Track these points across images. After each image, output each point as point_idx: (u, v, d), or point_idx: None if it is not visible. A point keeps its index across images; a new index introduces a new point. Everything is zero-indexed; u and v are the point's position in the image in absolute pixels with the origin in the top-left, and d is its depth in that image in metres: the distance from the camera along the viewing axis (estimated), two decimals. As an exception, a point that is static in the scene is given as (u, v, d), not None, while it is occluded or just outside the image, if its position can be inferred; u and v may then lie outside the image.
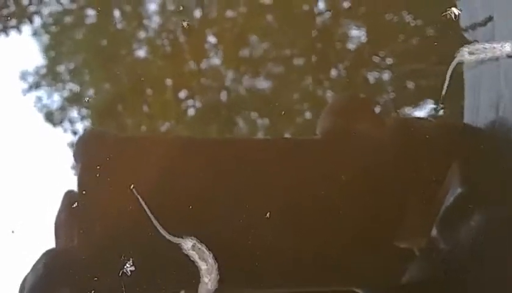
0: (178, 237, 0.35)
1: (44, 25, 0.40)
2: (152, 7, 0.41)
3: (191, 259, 0.35)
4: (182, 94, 0.40)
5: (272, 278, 0.37)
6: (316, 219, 0.36)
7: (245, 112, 0.40)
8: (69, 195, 0.36)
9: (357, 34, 0.41)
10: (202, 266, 0.34)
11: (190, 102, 0.40)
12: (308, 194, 0.37)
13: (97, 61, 0.40)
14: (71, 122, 0.40)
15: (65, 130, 0.40)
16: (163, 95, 0.40)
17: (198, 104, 0.40)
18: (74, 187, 0.36)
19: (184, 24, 0.39)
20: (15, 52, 0.40)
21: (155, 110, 0.40)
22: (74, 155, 0.37)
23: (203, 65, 0.40)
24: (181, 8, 0.40)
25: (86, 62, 0.40)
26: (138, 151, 0.37)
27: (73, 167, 0.37)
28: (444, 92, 0.37)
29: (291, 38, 0.41)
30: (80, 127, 0.40)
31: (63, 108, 0.40)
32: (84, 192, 0.36)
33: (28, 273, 0.35)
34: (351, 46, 0.40)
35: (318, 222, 0.36)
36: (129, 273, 0.35)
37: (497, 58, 0.37)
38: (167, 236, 0.35)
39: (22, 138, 0.38)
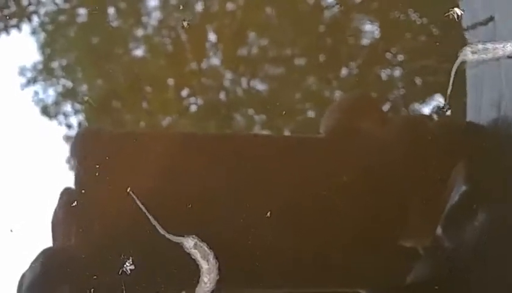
0: (178, 236, 0.35)
1: (42, 24, 0.41)
2: (151, 3, 0.41)
3: (193, 257, 0.34)
4: (184, 92, 0.40)
5: (273, 278, 0.36)
6: (317, 219, 0.36)
7: (244, 110, 0.40)
8: (66, 192, 0.36)
9: (359, 32, 0.41)
10: (204, 265, 0.34)
11: (191, 100, 0.40)
12: (310, 193, 0.37)
13: (91, 59, 0.41)
14: (66, 116, 0.40)
15: (60, 125, 0.40)
16: (162, 92, 0.40)
17: (199, 102, 0.40)
18: (72, 184, 0.36)
19: (185, 23, 0.39)
20: (15, 49, 0.40)
21: (154, 108, 0.40)
22: (72, 154, 0.37)
23: (203, 63, 0.40)
24: (181, 7, 0.40)
25: (90, 60, 0.40)
26: (137, 149, 0.37)
27: (71, 165, 0.37)
28: (449, 91, 0.37)
29: (297, 35, 0.41)
30: (77, 123, 0.40)
31: (58, 103, 0.40)
32: (83, 191, 0.36)
33: (27, 271, 0.35)
34: (358, 43, 0.41)
35: (319, 222, 0.36)
36: (129, 271, 0.35)
37: (498, 58, 0.37)
38: (168, 236, 0.35)
39: (20, 134, 0.38)
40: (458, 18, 0.38)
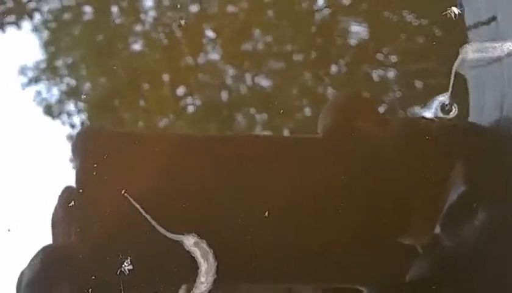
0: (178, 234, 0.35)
1: (44, 22, 0.40)
2: (149, 2, 0.41)
3: (192, 255, 0.34)
4: (180, 90, 0.40)
5: (271, 277, 0.36)
6: (316, 218, 0.36)
7: (245, 109, 0.40)
8: (66, 191, 0.36)
9: (358, 31, 0.41)
10: (202, 265, 0.34)
11: (189, 99, 0.40)
12: (308, 192, 0.36)
13: (93, 57, 0.40)
14: (68, 115, 0.40)
15: (64, 124, 0.40)
16: (160, 90, 0.40)
17: (197, 101, 0.40)
18: (72, 183, 0.36)
19: (182, 22, 0.39)
20: (15, 47, 0.40)
21: (154, 107, 0.40)
22: (73, 152, 0.37)
23: (201, 60, 0.40)
24: (178, 6, 0.40)
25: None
26: (136, 149, 0.37)
27: (71, 164, 0.37)
28: (450, 90, 0.37)
29: (293, 34, 0.41)
30: (79, 122, 0.40)
31: (61, 102, 0.40)
32: (81, 190, 0.36)
33: (26, 268, 0.35)
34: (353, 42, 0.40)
35: (318, 221, 0.36)
36: (127, 272, 0.34)
37: (500, 58, 0.37)
38: (169, 234, 0.34)
39: (21, 133, 0.37)
40: (455, 17, 0.38)
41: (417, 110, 0.40)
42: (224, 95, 0.40)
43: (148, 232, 0.35)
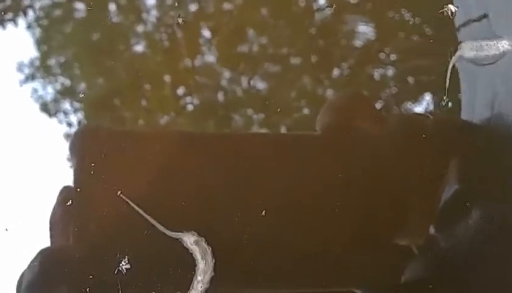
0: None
1: (38, 19, 0.40)
2: (149, 1, 0.41)
3: (190, 252, 0.34)
4: (180, 90, 0.40)
5: (269, 276, 0.36)
6: (314, 216, 0.36)
7: (242, 110, 0.40)
8: (64, 190, 0.36)
9: (355, 31, 0.41)
10: (200, 264, 0.34)
11: (188, 98, 0.40)
12: (307, 190, 0.37)
13: (89, 55, 0.40)
14: (65, 114, 0.40)
15: (61, 122, 0.40)
16: (161, 90, 0.40)
17: (195, 101, 0.40)
18: (70, 182, 0.36)
19: (180, 20, 0.39)
20: (13, 43, 0.40)
21: (154, 106, 0.40)
22: (70, 151, 0.37)
23: (198, 61, 0.40)
24: (176, 4, 0.40)
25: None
26: (133, 147, 0.37)
27: (69, 162, 0.37)
28: (447, 86, 0.38)
29: (291, 35, 0.41)
30: (76, 121, 0.39)
31: (56, 101, 0.40)
32: (79, 189, 0.35)
33: (25, 270, 0.35)
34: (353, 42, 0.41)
35: (316, 219, 0.36)
36: (124, 271, 0.34)
37: (493, 56, 0.37)
38: (168, 232, 0.34)
39: (19, 133, 0.37)
40: (452, 15, 0.38)
41: (413, 107, 0.40)
42: (226, 95, 0.40)
43: (146, 231, 0.35)
